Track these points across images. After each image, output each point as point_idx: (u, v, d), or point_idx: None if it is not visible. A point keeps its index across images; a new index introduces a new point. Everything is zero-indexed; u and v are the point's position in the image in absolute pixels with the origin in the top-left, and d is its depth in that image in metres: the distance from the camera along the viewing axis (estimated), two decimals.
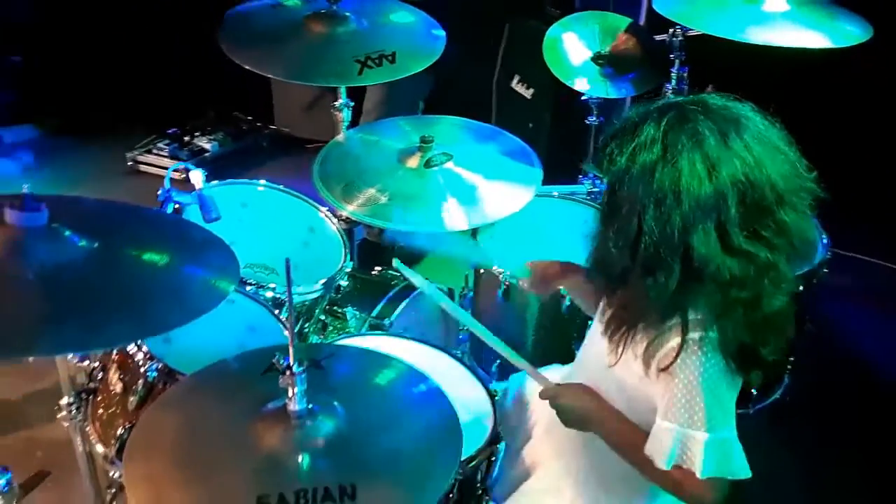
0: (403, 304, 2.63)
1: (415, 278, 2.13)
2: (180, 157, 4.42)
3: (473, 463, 1.97)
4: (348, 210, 2.27)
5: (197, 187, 2.27)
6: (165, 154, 4.50)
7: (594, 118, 2.95)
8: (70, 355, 1.98)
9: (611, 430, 1.75)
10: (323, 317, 2.61)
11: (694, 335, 1.56)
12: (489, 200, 2.31)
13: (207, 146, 4.59)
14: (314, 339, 2.55)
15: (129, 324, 1.56)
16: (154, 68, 4.64)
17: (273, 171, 4.34)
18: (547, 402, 1.84)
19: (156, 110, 4.68)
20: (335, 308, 2.66)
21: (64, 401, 2.03)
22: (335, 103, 2.70)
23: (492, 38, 4.02)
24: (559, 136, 3.73)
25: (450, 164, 2.36)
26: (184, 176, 2.34)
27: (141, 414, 1.98)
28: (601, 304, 1.80)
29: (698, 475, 1.58)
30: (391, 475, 1.53)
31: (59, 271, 1.58)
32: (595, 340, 1.80)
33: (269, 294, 2.36)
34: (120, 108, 4.69)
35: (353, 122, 2.78)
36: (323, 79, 2.62)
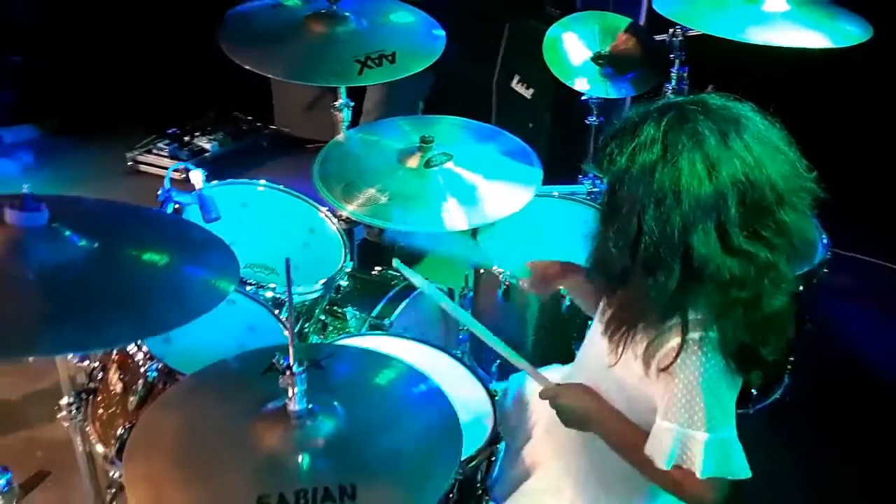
0: (403, 304, 2.63)
1: (415, 278, 2.13)
2: (180, 157, 4.42)
3: (473, 463, 1.97)
4: (348, 210, 2.27)
5: (197, 187, 2.27)
6: (165, 154, 4.50)
7: (594, 118, 2.95)
8: (70, 355, 1.98)
9: (611, 430, 1.75)
10: (323, 317, 2.61)
11: (694, 335, 1.56)
12: (489, 200, 2.31)
13: (207, 146, 4.59)
14: (314, 339, 2.55)
15: (129, 324, 1.56)
16: (154, 68, 4.64)
17: (273, 171, 4.33)
18: (547, 402, 1.84)
19: (156, 110, 4.67)
20: (335, 308, 2.66)
21: (64, 401, 2.03)
22: (335, 103, 2.70)
23: (492, 38, 4.02)
24: (559, 136, 3.73)
25: (450, 164, 2.36)
26: (184, 176, 2.34)
27: (141, 414, 1.98)
28: (601, 304, 1.80)
29: (698, 475, 1.58)
30: (391, 475, 1.53)
31: (59, 271, 1.58)
32: (595, 340, 1.80)
33: (269, 294, 2.36)
34: (120, 108, 4.69)
35: (354, 123, 2.78)
36: (323, 79, 2.62)
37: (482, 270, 2.69)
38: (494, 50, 4.02)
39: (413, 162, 2.37)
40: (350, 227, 2.72)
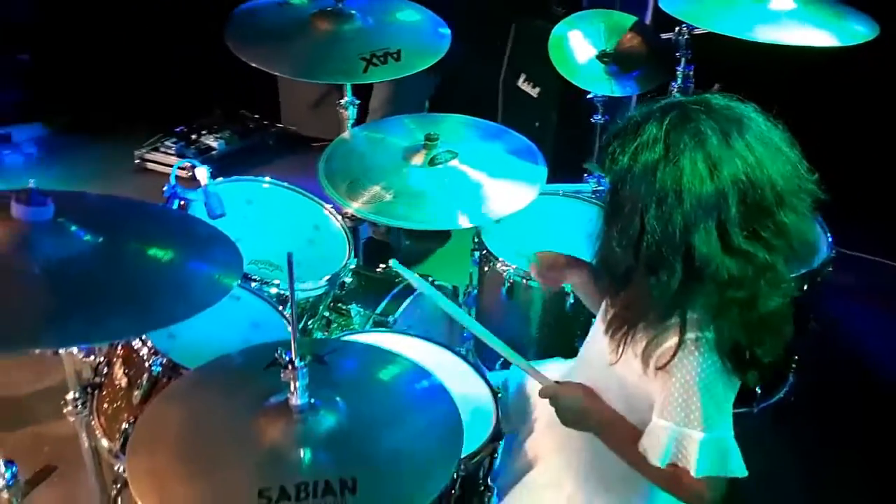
0: (407, 301, 2.63)
1: (413, 279, 2.12)
2: (187, 155, 4.44)
3: (476, 459, 1.98)
4: (353, 207, 2.27)
5: (202, 184, 2.28)
6: (172, 152, 4.51)
7: (599, 116, 2.95)
8: (75, 349, 1.99)
9: (608, 430, 1.75)
10: (327, 313, 2.62)
11: (691, 335, 1.56)
12: (494, 198, 2.31)
13: (214, 144, 4.61)
14: (318, 335, 2.56)
15: (134, 317, 1.57)
16: (162, 67, 4.66)
17: (279, 168, 4.35)
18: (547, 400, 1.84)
19: (163, 109, 4.69)
20: (339, 305, 2.66)
21: (70, 395, 2.04)
22: (341, 101, 2.71)
23: (498, 36, 4.02)
24: (566, 135, 3.73)
25: (455, 162, 2.36)
26: (189, 173, 2.35)
27: (145, 408, 1.99)
28: (604, 303, 1.80)
29: (693, 474, 1.57)
30: (392, 470, 1.54)
31: (65, 265, 1.59)
32: (597, 338, 1.80)
33: (273, 290, 2.37)
34: (128, 107, 4.71)
35: (360, 121, 2.79)
36: (329, 76, 2.63)
37: (486, 268, 2.70)
38: (501, 49, 4.02)
39: (418, 159, 2.37)
40: (355, 224, 2.73)
